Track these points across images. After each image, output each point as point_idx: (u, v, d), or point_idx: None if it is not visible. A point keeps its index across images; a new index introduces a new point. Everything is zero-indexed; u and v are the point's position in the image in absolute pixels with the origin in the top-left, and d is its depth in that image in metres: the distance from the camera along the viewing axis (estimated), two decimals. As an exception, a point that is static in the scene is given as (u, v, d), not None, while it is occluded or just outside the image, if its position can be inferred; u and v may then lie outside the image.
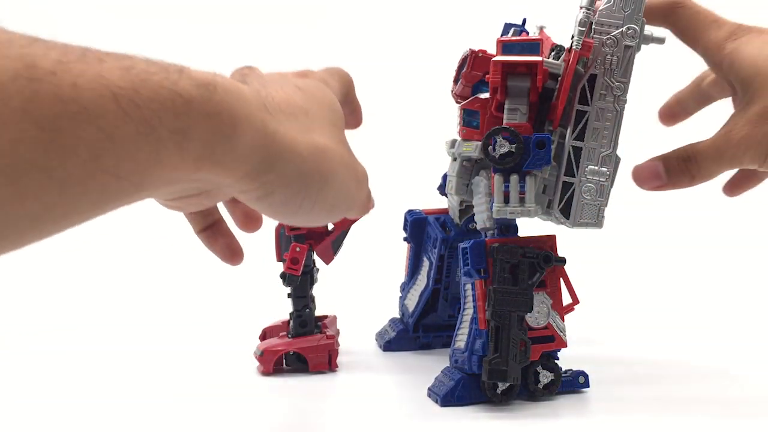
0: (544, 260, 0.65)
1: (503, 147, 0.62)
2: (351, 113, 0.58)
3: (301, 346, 0.73)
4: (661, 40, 0.64)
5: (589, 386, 0.67)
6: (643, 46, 0.65)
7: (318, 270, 0.77)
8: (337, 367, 0.74)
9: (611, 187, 0.64)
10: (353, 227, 0.75)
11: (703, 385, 0.70)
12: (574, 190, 0.64)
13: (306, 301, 0.74)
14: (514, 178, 0.63)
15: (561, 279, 0.67)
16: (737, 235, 1.27)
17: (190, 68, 0.40)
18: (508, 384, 0.64)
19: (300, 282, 0.74)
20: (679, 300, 0.99)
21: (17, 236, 0.34)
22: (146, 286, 1.04)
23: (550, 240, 0.67)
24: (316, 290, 0.77)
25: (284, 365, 0.74)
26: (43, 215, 0.34)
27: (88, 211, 0.36)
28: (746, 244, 1.24)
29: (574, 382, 0.67)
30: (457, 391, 0.65)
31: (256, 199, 0.45)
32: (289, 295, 0.74)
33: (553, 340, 0.66)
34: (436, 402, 0.65)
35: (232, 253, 0.57)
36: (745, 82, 0.63)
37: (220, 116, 0.39)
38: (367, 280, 0.97)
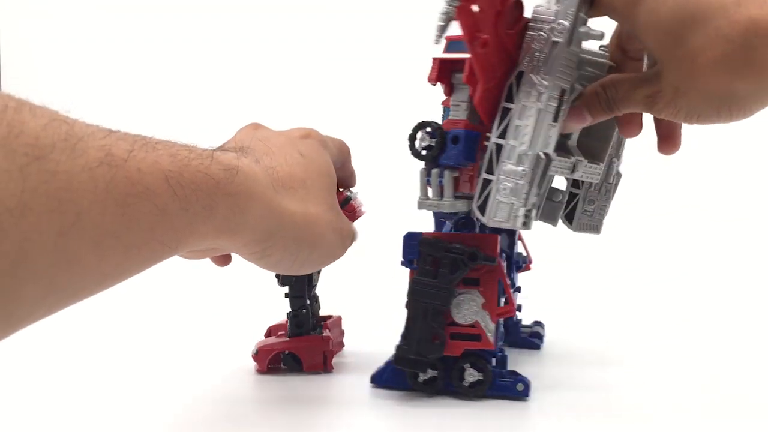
0: (470, 257, 0.64)
1: (424, 141, 0.64)
2: (347, 178, 0.68)
3: (295, 346, 0.73)
4: (597, 36, 0.60)
5: (528, 395, 0.64)
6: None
7: (319, 271, 0.76)
8: (332, 368, 0.73)
9: (538, 186, 0.61)
10: (360, 227, 0.75)
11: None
12: (491, 187, 0.61)
13: (303, 302, 0.74)
14: (434, 172, 0.63)
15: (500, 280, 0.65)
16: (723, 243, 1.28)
17: (219, 152, 0.50)
18: (429, 375, 0.65)
19: (296, 282, 0.73)
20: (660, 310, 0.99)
21: (91, 290, 0.42)
22: (156, 284, 1.04)
23: (489, 240, 0.65)
24: (325, 291, 0.77)
25: (282, 365, 0.74)
26: (111, 272, 0.42)
27: (138, 269, 0.44)
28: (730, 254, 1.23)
29: (511, 388, 0.65)
30: (386, 375, 0.67)
31: (256, 259, 0.55)
32: (287, 295, 0.74)
33: (480, 339, 0.65)
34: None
35: (223, 257, 0.65)
36: (650, 54, 0.60)
37: (238, 196, 0.49)
38: (378, 281, 0.96)
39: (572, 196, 0.73)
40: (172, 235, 0.45)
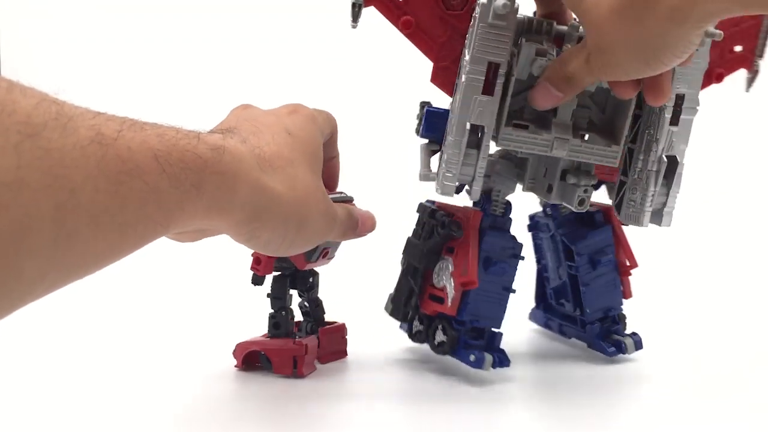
0: (441, 225, 0.69)
1: (417, 119, 0.69)
2: (329, 159, 0.67)
3: (268, 347, 0.72)
4: (499, 8, 0.62)
5: (480, 367, 0.68)
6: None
7: (316, 273, 0.76)
8: (302, 373, 0.71)
9: (475, 158, 0.64)
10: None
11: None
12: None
13: (282, 303, 0.73)
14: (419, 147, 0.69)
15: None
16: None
17: (204, 133, 0.51)
18: (418, 328, 0.73)
19: (277, 283, 0.73)
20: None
21: (87, 269, 0.43)
22: (158, 279, 1.04)
23: (472, 214, 0.70)
24: (334, 296, 0.77)
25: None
26: (106, 251, 0.43)
27: (131, 248, 0.45)
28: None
29: (465, 357, 0.69)
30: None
31: (245, 240, 0.57)
32: (268, 295, 0.74)
33: (443, 303, 0.70)
34: None
35: None
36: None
37: (225, 175, 0.50)
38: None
39: (623, 184, 0.70)
40: (163, 213, 0.46)
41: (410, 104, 0.72)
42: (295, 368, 0.72)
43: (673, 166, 0.68)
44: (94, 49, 1.56)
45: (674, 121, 0.67)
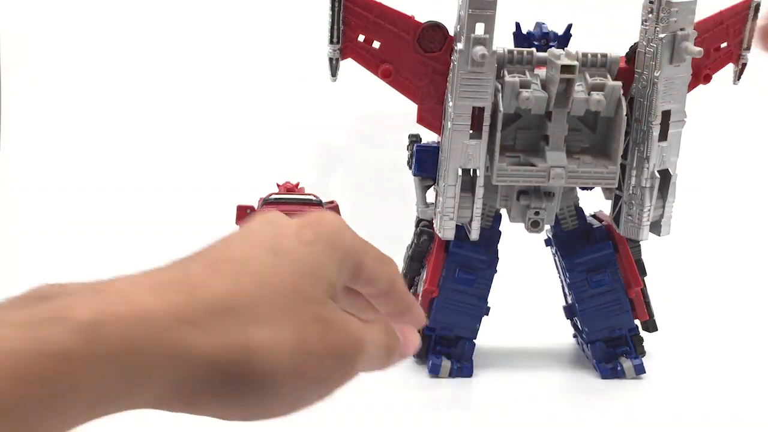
0: (417, 236, 0.73)
1: (408, 151, 0.71)
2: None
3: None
4: (478, 59, 0.62)
5: (437, 374, 0.71)
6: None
7: None
8: None
9: (470, 200, 0.66)
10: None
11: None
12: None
13: None
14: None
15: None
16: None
17: (80, 293, 0.32)
18: None
19: None
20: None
21: None
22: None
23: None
24: None
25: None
26: None
27: None
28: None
29: (427, 363, 0.72)
30: None
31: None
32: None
33: None
34: None
35: None
36: None
37: (105, 359, 0.31)
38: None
39: (618, 198, 0.72)
40: None
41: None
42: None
43: (666, 179, 0.68)
44: (96, 47, 1.57)
45: (663, 137, 0.67)
